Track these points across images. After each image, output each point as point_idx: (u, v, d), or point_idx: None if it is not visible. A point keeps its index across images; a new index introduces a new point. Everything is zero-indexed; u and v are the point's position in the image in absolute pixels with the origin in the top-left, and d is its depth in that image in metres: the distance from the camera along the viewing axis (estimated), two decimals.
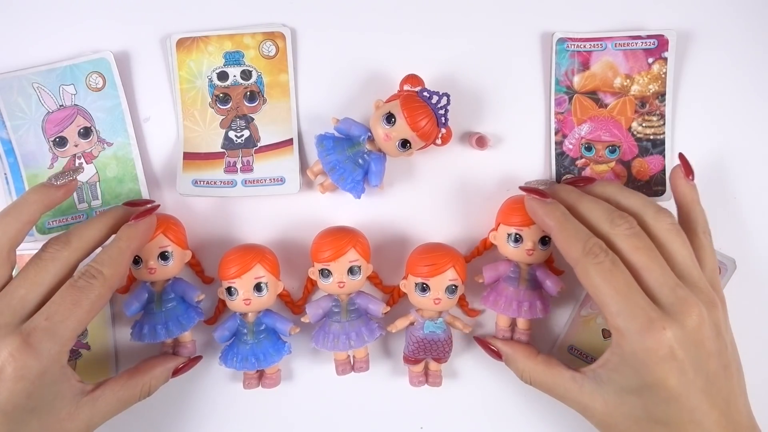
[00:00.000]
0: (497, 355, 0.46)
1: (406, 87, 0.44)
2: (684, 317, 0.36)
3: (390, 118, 0.42)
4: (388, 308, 0.46)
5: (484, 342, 0.46)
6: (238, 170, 0.47)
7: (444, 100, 0.43)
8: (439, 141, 0.45)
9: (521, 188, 0.44)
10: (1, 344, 0.36)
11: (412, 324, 0.46)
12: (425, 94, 0.43)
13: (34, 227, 0.46)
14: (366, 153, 0.44)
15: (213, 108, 0.47)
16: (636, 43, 0.46)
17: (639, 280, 0.38)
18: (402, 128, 0.42)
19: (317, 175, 0.45)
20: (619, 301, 0.37)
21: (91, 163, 0.47)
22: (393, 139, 0.42)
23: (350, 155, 0.44)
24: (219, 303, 0.47)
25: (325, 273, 0.44)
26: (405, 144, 0.43)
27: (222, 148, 0.47)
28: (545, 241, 0.44)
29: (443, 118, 0.43)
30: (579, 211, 0.41)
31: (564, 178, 0.47)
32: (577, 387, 0.40)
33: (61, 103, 0.46)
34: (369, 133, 0.44)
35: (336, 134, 0.45)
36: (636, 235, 0.39)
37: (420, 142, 0.43)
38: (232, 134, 0.47)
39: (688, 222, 0.42)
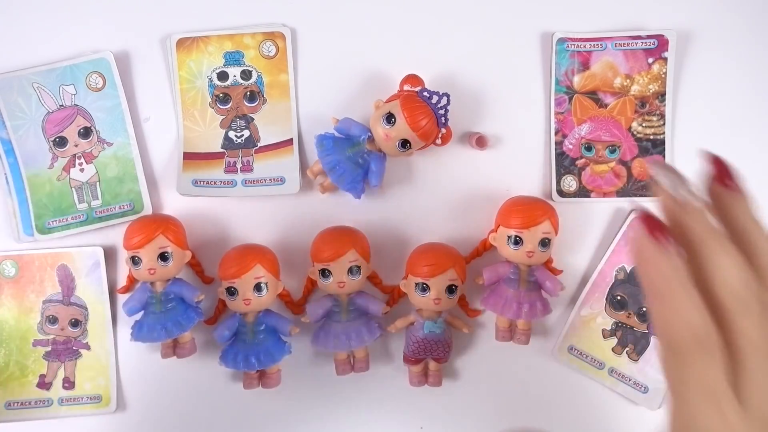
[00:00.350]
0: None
1: (406, 87, 0.44)
2: None
3: (390, 118, 0.42)
4: (388, 308, 0.46)
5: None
6: (238, 170, 0.47)
7: (444, 100, 0.43)
8: (439, 141, 0.45)
9: (639, 215, 0.28)
10: None
11: (412, 324, 0.46)
12: (425, 94, 0.43)
13: (34, 227, 0.46)
14: (366, 153, 0.44)
15: (213, 108, 0.47)
16: (636, 43, 0.46)
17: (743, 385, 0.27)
18: (402, 128, 0.42)
19: (317, 175, 0.45)
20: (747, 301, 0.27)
21: (91, 163, 0.47)
22: (393, 139, 0.42)
23: (350, 155, 0.44)
24: (219, 303, 0.47)
25: (325, 273, 0.44)
26: (405, 144, 0.43)
27: (222, 148, 0.47)
28: (545, 243, 0.44)
29: (443, 118, 0.43)
30: (703, 261, 0.28)
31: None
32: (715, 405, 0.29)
33: (61, 103, 0.46)
34: (369, 133, 0.44)
35: (336, 134, 0.45)
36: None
37: (420, 142, 0.43)
38: (232, 134, 0.47)
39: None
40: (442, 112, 0.43)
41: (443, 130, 0.44)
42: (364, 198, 0.45)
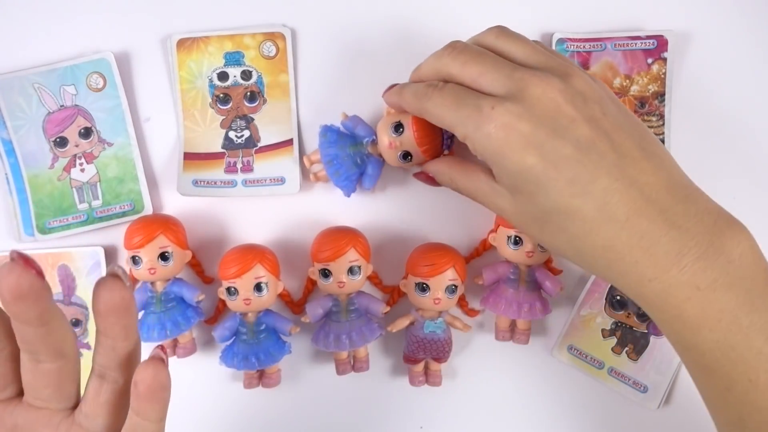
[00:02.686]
0: (432, 179, 0.43)
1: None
2: (522, 92, 0.33)
3: (398, 128, 0.42)
4: (388, 308, 0.46)
5: (419, 174, 0.44)
6: (239, 170, 0.47)
7: None
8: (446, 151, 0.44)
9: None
10: None
11: (412, 324, 0.46)
12: None
13: (34, 227, 0.46)
14: (366, 155, 0.44)
15: (213, 108, 0.47)
16: (635, 44, 0.47)
17: (477, 90, 0.35)
18: (408, 141, 0.42)
19: (313, 163, 0.45)
20: (452, 110, 0.35)
21: (92, 163, 0.47)
22: (396, 149, 0.42)
23: (350, 153, 0.44)
24: (219, 303, 0.47)
25: (325, 273, 0.44)
26: (406, 156, 0.42)
27: (222, 148, 0.47)
28: None
29: (449, 140, 0.43)
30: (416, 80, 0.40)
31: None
32: (490, 190, 0.37)
33: (61, 104, 0.46)
34: (374, 137, 0.44)
35: (341, 129, 0.45)
36: (461, 52, 0.36)
37: (422, 158, 0.43)
38: (232, 134, 0.47)
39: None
40: (449, 134, 0.43)
41: (446, 152, 0.44)
42: (364, 198, 0.45)
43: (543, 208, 0.34)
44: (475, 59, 0.36)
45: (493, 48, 0.37)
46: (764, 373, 0.32)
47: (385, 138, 0.42)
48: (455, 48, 0.37)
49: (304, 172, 0.47)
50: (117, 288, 0.27)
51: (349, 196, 0.45)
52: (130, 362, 0.29)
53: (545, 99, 0.33)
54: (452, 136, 0.43)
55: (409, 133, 0.41)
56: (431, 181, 0.43)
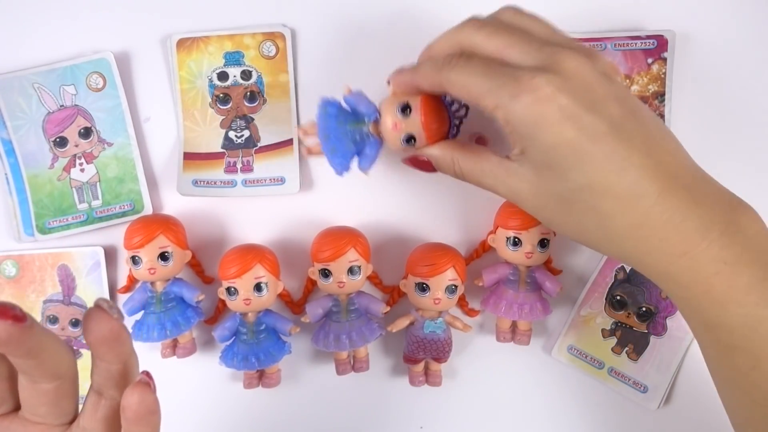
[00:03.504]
0: (428, 165, 0.40)
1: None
2: (558, 64, 0.32)
3: (405, 109, 0.39)
4: (388, 308, 0.46)
5: (411, 159, 0.41)
6: (238, 170, 0.47)
7: (463, 111, 0.42)
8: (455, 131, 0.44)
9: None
10: None
11: (412, 324, 0.46)
12: (448, 99, 0.41)
13: (34, 227, 0.46)
14: (366, 134, 0.41)
15: (213, 108, 0.47)
16: (635, 44, 0.46)
17: (504, 62, 0.34)
18: (414, 124, 0.39)
19: (309, 135, 0.43)
20: (483, 78, 0.33)
21: (92, 163, 0.47)
22: (401, 132, 0.40)
23: (349, 130, 0.41)
24: (219, 303, 0.47)
25: (325, 273, 0.44)
26: (410, 140, 0.40)
27: (222, 148, 0.47)
28: (544, 243, 0.44)
29: (455, 129, 0.42)
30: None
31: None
32: (502, 170, 0.36)
33: (61, 104, 0.46)
34: (377, 115, 0.41)
35: (342, 104, 0.42)
36: (485, 24, 0.35)
37: (425, 144, 0.41)
38: (232, 134, 0.47)
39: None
40: (457, 122, 0.42)
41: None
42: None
43: (574, 185, 0.33)
44: (501, 31, 0.34)
45: (512, 25, 0.36)
46: None
47: (389, 119, 0.39)
48: (477, 20, 0.36)
49: (304, 173, 0.47)
50: (104, 320, 0.27)
51: (341, 174, 0.42)
52: (126, 381, 0.29)
53: (580, 74, 0.32)
54: (459, 124, 0.42)
55: (417, 116, 0.39)
56: (425, 166, 0.40)
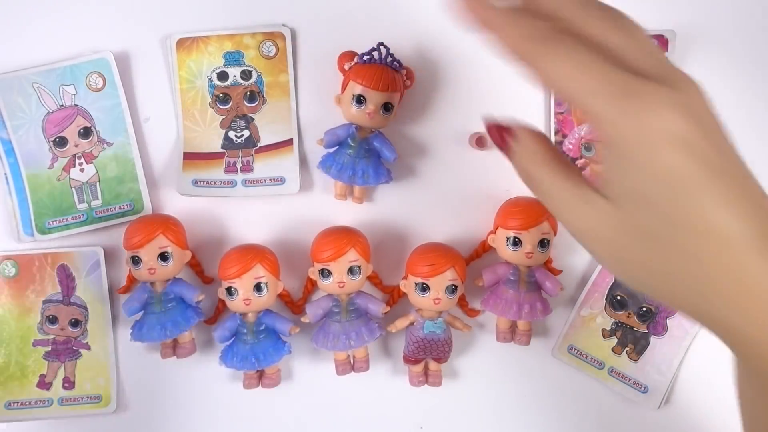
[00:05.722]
0: (503, 142, 0.32)
1: (347, 66, 0.44)
2: (682, 83, 0.28)
3: (359, 99, 0.43)
4: (388, 308, 0.46)
5: (499, 130, 0.32)
6: (238, 170, 0.47)
7: (382, 49, 0.44)
8: (408, 82, 0.45)
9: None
10: None
11: (412, 324, 0.46)
12: (365, 58, 0.44)
13: (34, 227, 0.46)
14: (363, 141, 0.45)
15: (213, 108, 0.47)
16: None
17: (614, 58, 0.28)
18: (374, 97, 0.42)
19: (344, 192, 0.46)
20: (589, 80, 0.27)
21: (91, 163, 0.47)
22: (374, 112, 0.43)
23: (354, 155, 0.44)
24: (219, 303, 0.47)
25: (325, 273, 0.44)
26: (387, 107, 0.43)
27: (222, 148, 0.47)
28: (544, 243, 0.44)
29: (395, 63, 0.44)
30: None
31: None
32: (580, 199, 0.29)
33: (61, 103, 0.46)
34: (353, 126, 0.44)
35: (329, 151, 0.45)
36: (610, 18, 0.29)
37: (396, 96, 0.44)
38: (232, 134, 0.47)
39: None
40: (389, 59, 0.44)
41: (403, 72, 0.45)
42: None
43: (673, 221, 0.28)
44: (626, 31, 0.29)
45: (633, 35, 0.30)
46: None
47: (358, 114, 0.43)
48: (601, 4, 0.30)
49: (304, 172, 0.47)
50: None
51: (391, 180, 0.45)
52: None
53: (701, 99, 0.28)
54: (394, 59, 0.44)
55: (369, 92, 0.43)
56: (501, 142, 0.32)
